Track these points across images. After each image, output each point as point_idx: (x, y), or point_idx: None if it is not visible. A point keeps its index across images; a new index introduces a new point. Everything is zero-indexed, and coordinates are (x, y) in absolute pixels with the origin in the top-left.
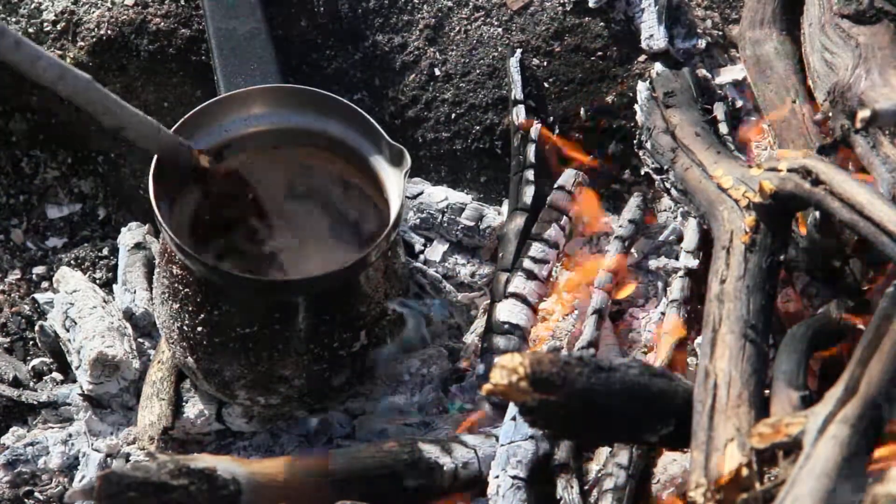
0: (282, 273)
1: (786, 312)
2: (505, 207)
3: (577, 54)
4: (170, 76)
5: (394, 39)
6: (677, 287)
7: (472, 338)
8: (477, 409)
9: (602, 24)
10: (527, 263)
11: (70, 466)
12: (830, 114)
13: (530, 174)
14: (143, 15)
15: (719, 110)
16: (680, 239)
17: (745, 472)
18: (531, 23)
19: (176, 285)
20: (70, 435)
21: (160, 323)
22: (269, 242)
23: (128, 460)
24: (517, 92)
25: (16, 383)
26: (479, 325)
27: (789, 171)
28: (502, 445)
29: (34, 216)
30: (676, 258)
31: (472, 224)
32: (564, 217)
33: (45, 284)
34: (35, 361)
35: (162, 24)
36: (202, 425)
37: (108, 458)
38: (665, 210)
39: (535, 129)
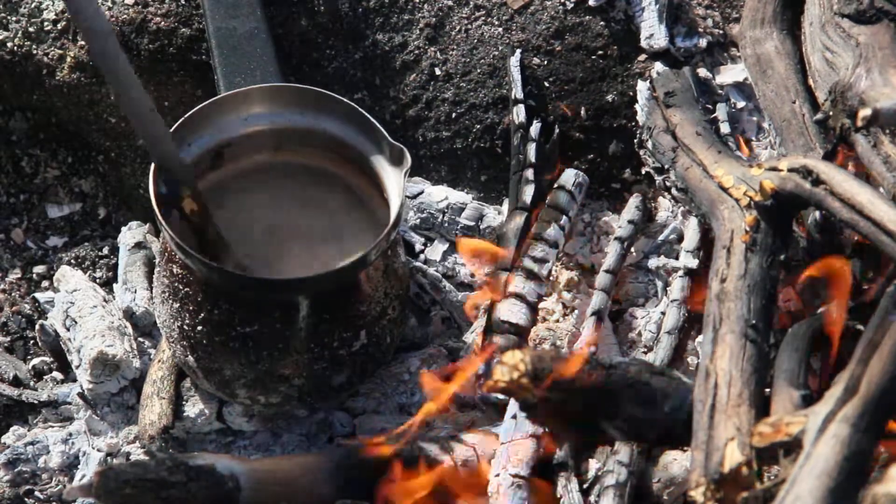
0: (282, 272)
1: (786, 312)
2: (505, 207)
3: (577, 53)
4: (170, 75)
5: (394, 39)
6: (677, 286)
7: (472, 337)
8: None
9: (602, 23)
10: (527, 263)
11: (70, 465)
12: (831, 113)
13: (530, 173)
14: (143, 14)
15: (721, 110)
16: (680, 238)
17: (745, 471)
18: (531, 22)
19: (176, 284)
20: (70, 434)
21: (160, 322)
22: (268, 241)
23: (128, 459)
24: (517, 91)
25: (16, 382)
26: (479, 324)
27: (790, 170)
28: (503, 444)
29: (34, 215)
30: (676, 257)
31: (472, 223)
32: (564, 217)
33: (45, 283)
34: (35, 361)
35: (162, 23)
36: (203, 424)
37: (109, 458)
38: (665, 209)
39: (535, 127)
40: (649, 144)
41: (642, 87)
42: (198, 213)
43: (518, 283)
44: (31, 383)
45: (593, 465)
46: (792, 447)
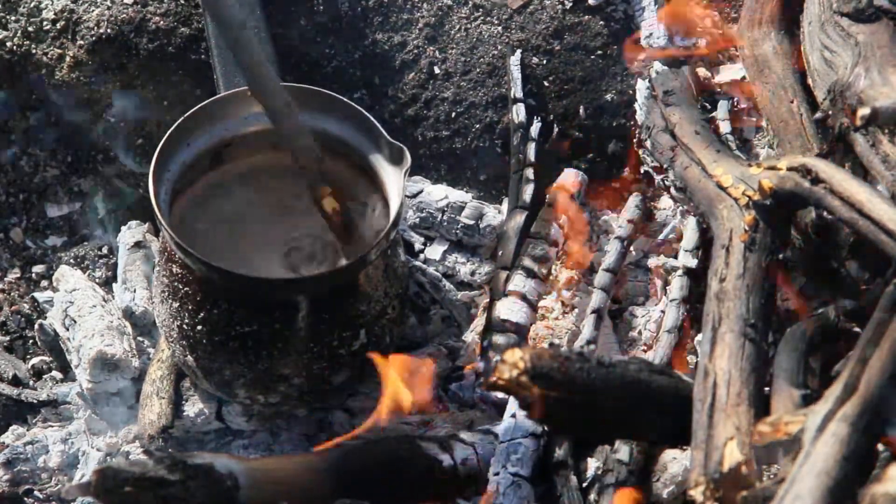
0: (281, 272)
1: (785, 311)
2: (505, 206)
3: (576, 52)
4: (169, 75)
5: (393, 38)
6: (677, 286)
7: (471, 336)
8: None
9: (602, 22)
10: (526, 262)
11: (70, 465)
12: (830, 112)
13: (530, 172)
14: (142, 13)
15: (721, 109)
16: (679, 237)
17: (744, 470)
18: (531, 21)
19: (175, 284)
20: (70, 433)
21: (160, 322)
22: (268, 241)
23: (127, 459)
24: (517, 90)
25: (15, 382)
26: (479, 323)
27: (789, 169)
28: (502, 442)
29: (34, 215)
30: (675, 257)
31: (471, 223)
32: (564, 216)
33: (44, 283)
34: (35, 360)
35: (161, 22)
36: (202, 424)
37: (108, 457)
38: (664, 208)
39: (536, 127)
40: (648, 143)
41: (641, 87)
42: (339, 212)
43: (518, 282)
44: (31, 383)
45: (593, 464)
46: (791, 446)
